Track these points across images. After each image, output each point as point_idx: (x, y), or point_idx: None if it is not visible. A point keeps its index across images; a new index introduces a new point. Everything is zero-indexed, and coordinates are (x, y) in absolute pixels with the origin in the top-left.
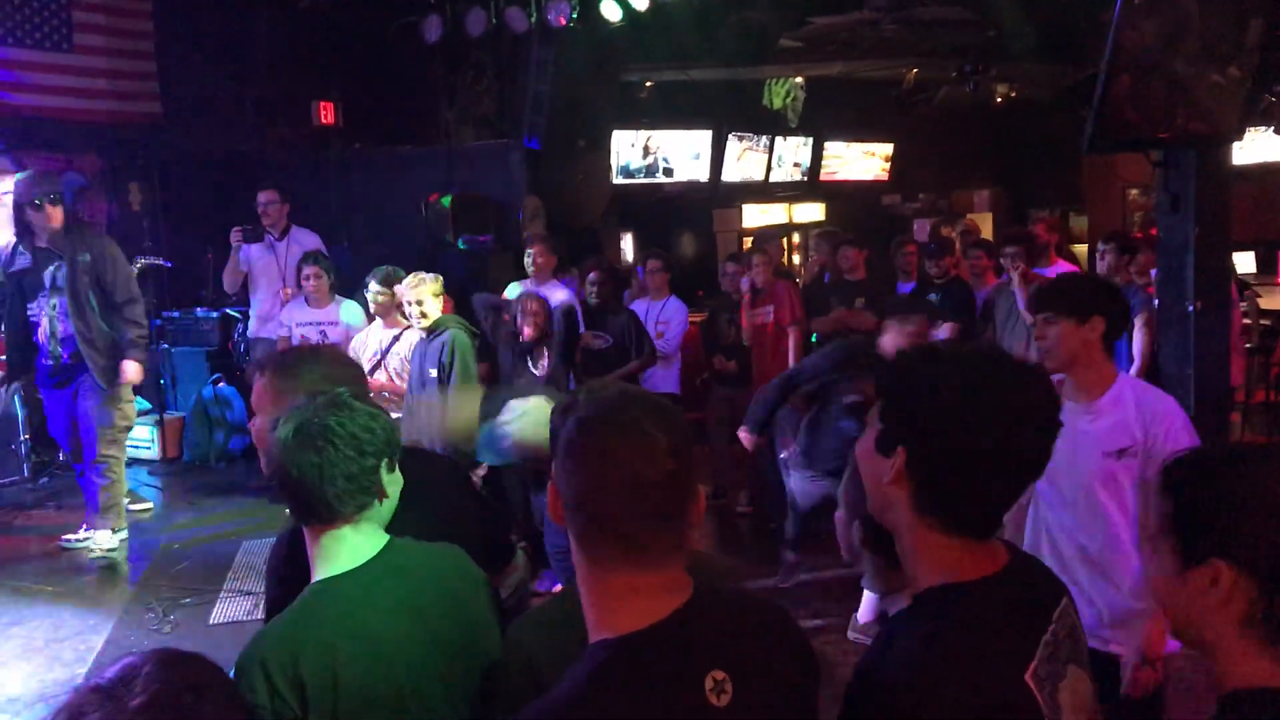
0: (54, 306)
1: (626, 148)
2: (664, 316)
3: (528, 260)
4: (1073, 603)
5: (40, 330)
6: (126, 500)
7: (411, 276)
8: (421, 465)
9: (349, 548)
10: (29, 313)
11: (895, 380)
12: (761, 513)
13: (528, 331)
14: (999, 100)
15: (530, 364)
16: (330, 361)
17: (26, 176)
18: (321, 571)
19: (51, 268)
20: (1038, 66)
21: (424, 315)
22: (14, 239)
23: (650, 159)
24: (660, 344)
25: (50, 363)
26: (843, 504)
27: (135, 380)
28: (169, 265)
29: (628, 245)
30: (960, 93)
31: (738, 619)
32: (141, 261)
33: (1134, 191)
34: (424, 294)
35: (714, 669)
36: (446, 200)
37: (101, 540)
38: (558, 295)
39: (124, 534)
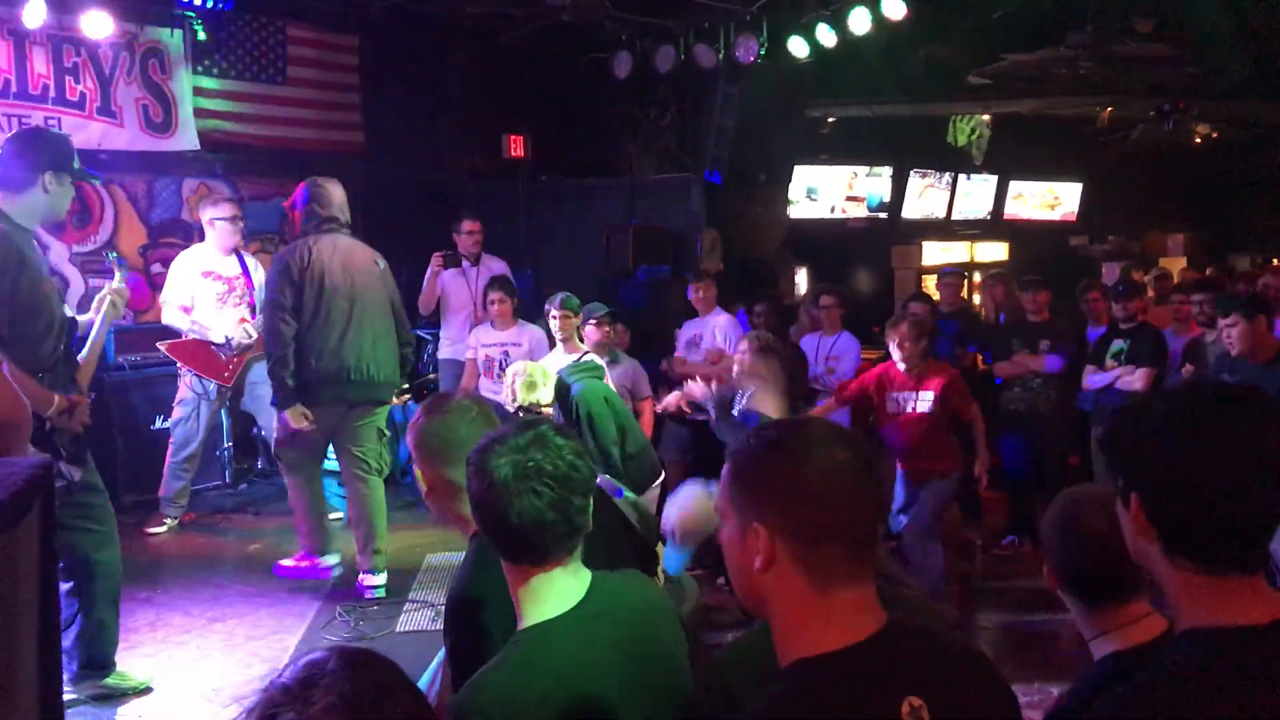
0: None
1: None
2: (835, 352)
3: (692, 295)
4: None
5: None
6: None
7: (517, 380)
8: None
9: (558, 590)
10: None
11: (1118, 431)
12: None
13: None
14: (1198, 140)
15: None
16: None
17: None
18: (530, 615)
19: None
20: (1244, 104)
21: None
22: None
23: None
24: (831, 379)
25: None
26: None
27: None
28: None
29: (802, 279)
30: (1157, 132)
31: (935, 650)
32: None
33: None
34: (534, 397)
35: (911, 695)
36: (627, 231)
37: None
38: (721, 321)
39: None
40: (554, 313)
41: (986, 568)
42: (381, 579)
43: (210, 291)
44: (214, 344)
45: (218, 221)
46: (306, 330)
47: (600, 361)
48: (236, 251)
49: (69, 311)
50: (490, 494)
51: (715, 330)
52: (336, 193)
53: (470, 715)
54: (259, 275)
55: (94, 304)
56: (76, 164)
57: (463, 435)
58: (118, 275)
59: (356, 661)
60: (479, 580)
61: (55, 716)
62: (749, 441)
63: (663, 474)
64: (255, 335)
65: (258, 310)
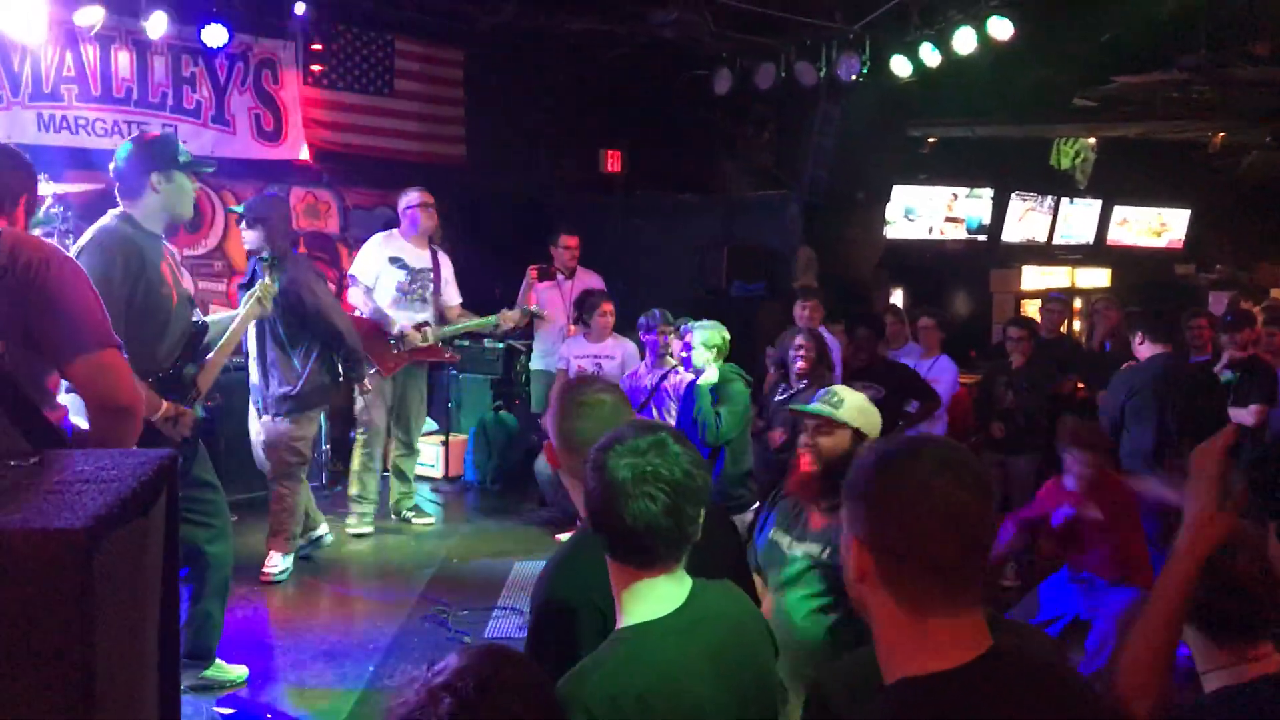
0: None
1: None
2: (932, 375)
3: (799, 311)
4: None
5: (243, 346)
6: (412, 515)
7: (703, 324)
8: None
9: (660, 594)
10: None
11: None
12: (1026, 586)
13: (800, 365)
14: None
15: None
16: (614, 393)
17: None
18: (631, 615)
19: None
20: None
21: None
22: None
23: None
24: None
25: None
26: None
27: (317, 409)
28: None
29: (898, 299)
30: (1272, 158)
31: (1041, 676)
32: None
33: None
34: (696, 341)
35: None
36: (721, 248)
37: (272, 561)
38: None
39: (287, 563)
40: (656, 327)
41: None
42: None
43: (391, 280)
44: (389, 332)
45: (408, 210)
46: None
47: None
48: (433, 248)
49: (199, 317)
50: (607, 494)
51: None
52: None
53: (573, 707)
54: (446, 270)
55: (243, 301)
56: (184, 157)
57: (588, 434)
58: (269, 276)
59: (479, 653)
60: (572, 583)
61: (173, 696)
62: (870, 451)
63: (756, 506)
64: (431, 341)
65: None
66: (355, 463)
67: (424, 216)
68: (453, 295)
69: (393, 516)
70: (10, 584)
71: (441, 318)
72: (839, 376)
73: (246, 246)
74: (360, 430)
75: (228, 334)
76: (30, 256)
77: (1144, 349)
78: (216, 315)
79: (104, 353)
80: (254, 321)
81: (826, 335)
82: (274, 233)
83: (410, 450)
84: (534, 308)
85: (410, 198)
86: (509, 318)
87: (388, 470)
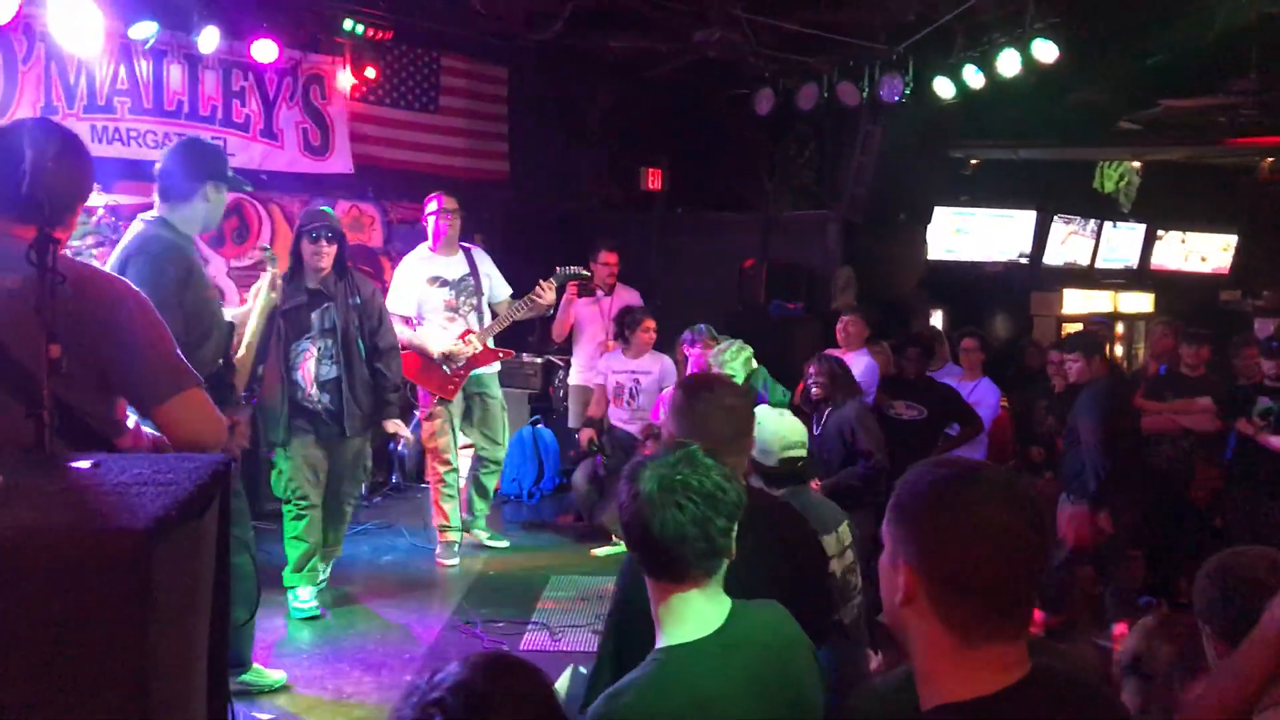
0: (320, 350)
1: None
2: (974, 397)
3: (838, 329)
4: None
5: (301, 372)
6: (485, 536)
7: (727, 345)
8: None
9: (696, 613)
10: (291, 353)
11: None
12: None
13: (815, 391)
14: None
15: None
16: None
17: (310, 209)
18: (668, 635)
19: (320, 309)
20: None
21: None
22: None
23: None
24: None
25: (306, 405)
26: None
27: (401, 431)
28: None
29: (937, 321)
30: None
31: (1080, 697)
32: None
33: None
34: (735, 367)
35: None
36: (760, 266)
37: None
38: (860, 363)
39: (326, 572)
40: (701, 341)
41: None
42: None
43: (438, 300)
44: (434, 357)
45: (429, 217)
46: None
47: None
48: (465, 248)
49: (228, 315)
50: (635, 505)
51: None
52: None
53: None
54: (485, 266)
55: (250, 295)
56: (230, 172)
57: (715, 431)
58: (272, 266)
59: (480, 662)
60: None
61: (221, 699)
62: (919, 474)
63: None
64: (480, 346)
65: (484, 310)
66: (436, 494)
67: (445, 223)
68: (500, 289)
69: (464, 533)
70: (70, 583)
71: (495, 315)
72: (870, 399)
73: (323, 265)
74: (433, 461)
75: (250, 331)
76: (101, 296)
77: (1079, 369)
78: (230, 311)
79: (187, 394)
80: (342, 340)
81: (856, 357)
82: (346, 247)
83: (492, 464)
84: (579, 270)
85: (431, 205)
86: (544, 290)
87: (424, 484)
